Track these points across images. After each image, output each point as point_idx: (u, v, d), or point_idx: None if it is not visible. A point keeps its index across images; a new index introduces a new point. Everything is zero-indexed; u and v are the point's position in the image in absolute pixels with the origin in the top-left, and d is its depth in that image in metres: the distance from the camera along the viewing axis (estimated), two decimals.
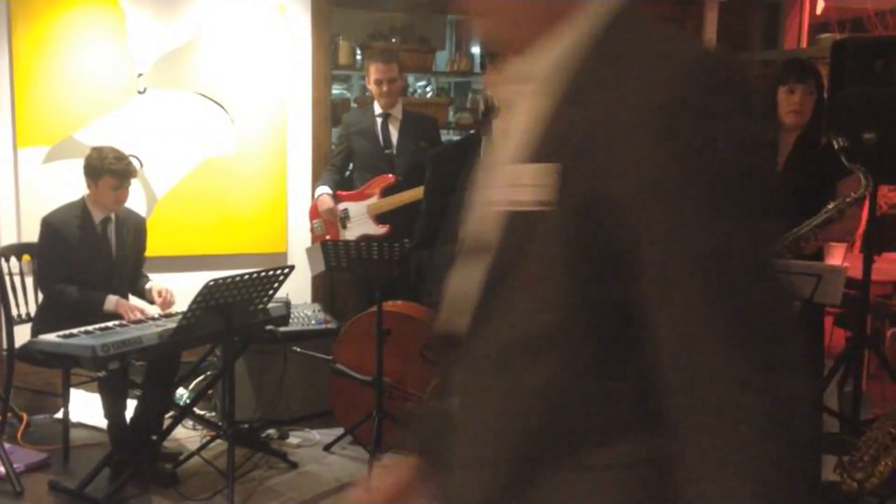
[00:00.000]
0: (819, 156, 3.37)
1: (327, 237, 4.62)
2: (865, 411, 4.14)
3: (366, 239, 4.34)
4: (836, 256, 5.14)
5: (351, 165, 4.84)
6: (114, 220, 3.97)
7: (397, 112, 4.68)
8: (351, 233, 4.63)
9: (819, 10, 5.85)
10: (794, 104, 3.31)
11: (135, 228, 4.09)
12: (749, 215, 0.87)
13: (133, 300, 4.00)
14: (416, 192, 4.47)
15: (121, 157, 3.87)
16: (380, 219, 4.61)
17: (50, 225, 3.85)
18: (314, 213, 4.77)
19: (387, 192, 4.59)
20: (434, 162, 2.05)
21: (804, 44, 5.63)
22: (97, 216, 3.92)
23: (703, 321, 0.86)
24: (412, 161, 4.59)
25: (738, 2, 5.75)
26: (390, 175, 4.60)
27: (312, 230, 4.79)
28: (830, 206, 3.27)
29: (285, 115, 5.09)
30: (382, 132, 4.66)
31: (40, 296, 4.05)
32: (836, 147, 3.31)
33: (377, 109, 4.68)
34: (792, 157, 3.37)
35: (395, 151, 4.65)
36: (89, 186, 3.88)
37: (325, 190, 4.69)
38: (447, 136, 5.80)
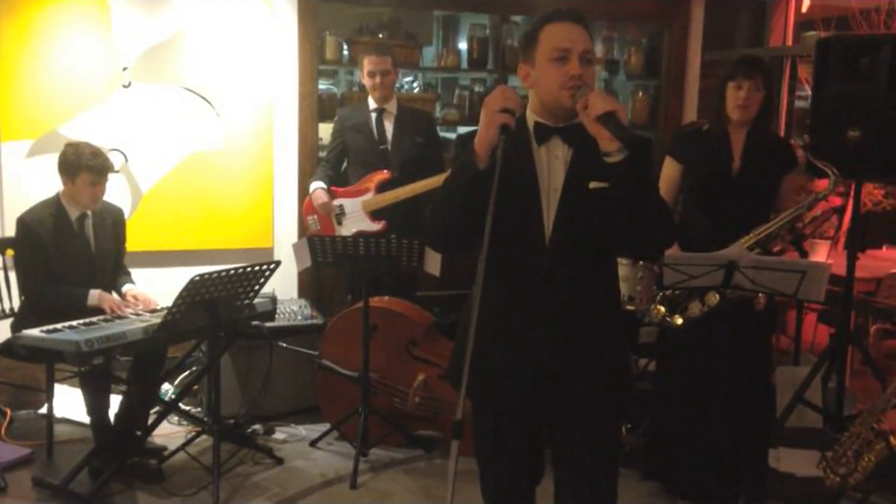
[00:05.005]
0: (768, 152, 3.45)
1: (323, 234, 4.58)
2: (849, 407, 4.17)
3: (362, 235, 4.30)
4: (821, 253, 5.18)
5: (345, 161, 4.81)
6: (91, 216, 3.93)
7: (392, 107, 4.64)
8: (346, 229, 4.60)
9: (805, 8, 5.87)
10: (740, 99, 3.39)
11: (113, 221, 4.04)
12: None
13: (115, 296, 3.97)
14: (412, 188, 4.46)
15: (97, 153, 3.82)
16: (375, 215, 4.58)
17: (25, 225, 3.80)
18: (309, 209, 4.72)
19: (382, 187, 4.55)
20: (463, 145, 2.06)
21: (790, 41, 5.65)
22: (73, 213, 3.87)
23: None
24: (407, 156, 4.56)
25: None
26: (385, 171, 4.57)
27: (307, 227, 4.76)
28: (802, 203, 3.36)
29: (272, 111, 5.07)
30: (377, 127, 4.62)
31: None
32: (800, 144, 3.41)
33: (372, 104, 4.63)
34: (745, 152, 3.45)
35: (389, 147, 4.61)
36: (65, 183, 3.82)
37: (319, 185, 4.65)
38: None
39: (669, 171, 3.62)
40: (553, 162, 2.21)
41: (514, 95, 2.07)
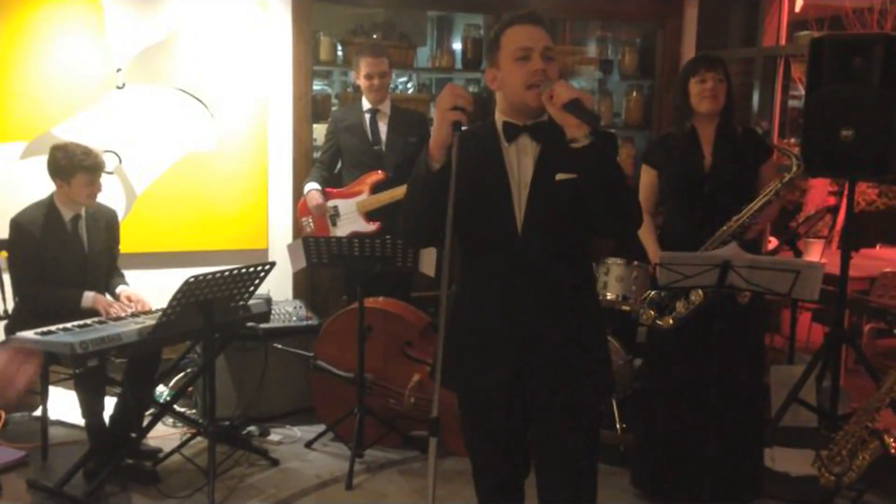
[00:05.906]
0: (738, 144, 3.47)
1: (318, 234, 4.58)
2: (843, 406, 4.19)
3: (356, 236, 4.29)
4: (815, 253, 5.20)
5: (340, 162, 4.80)
6: (84, 217, 3.92)
7: (385, 107, 4.63)
8: (341, 230, 4.59)
9: (798, 8, 5.88)
10: (708, 90, 3.42)
11: (106, 223, 4.03)
12: None
13: (109, 298, 3.96)
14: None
15: (88, 152, 3.81)
16: (370, 216, 4.58)
17: (19, 226, 3.79)
18: (304, 210, 4.72)
19: (377, 188, 4.54)
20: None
21: (783, 41, 5.67)
22: (66, 214, 3.86)
23: None
24: (401, 157, 4.55)
25: None
26: (380, 171, 4.56)
27: (302, 228, 4.75)
28: (770, 188, 3.36)
29: (266, 111, 5.06)
30: (371, 128, 4.62)
31: None
32: (759, 132, 3.43)
33: (365, 105, 4.63)
34: (716, 146, 3.45)
35: (383, 148, 4.60)
36: (60, 187, 3.81)
37: (313, 186, 4.65)
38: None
39: (646, 178, 3.63)
40: (522, 158, 2.29)
41: (463, 93, 2.14)
